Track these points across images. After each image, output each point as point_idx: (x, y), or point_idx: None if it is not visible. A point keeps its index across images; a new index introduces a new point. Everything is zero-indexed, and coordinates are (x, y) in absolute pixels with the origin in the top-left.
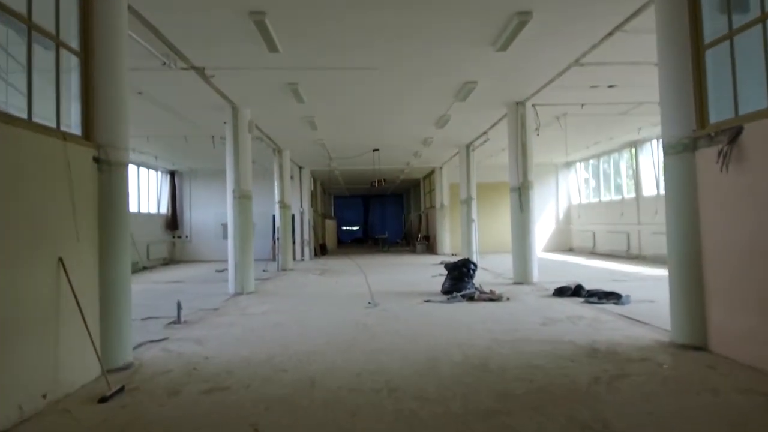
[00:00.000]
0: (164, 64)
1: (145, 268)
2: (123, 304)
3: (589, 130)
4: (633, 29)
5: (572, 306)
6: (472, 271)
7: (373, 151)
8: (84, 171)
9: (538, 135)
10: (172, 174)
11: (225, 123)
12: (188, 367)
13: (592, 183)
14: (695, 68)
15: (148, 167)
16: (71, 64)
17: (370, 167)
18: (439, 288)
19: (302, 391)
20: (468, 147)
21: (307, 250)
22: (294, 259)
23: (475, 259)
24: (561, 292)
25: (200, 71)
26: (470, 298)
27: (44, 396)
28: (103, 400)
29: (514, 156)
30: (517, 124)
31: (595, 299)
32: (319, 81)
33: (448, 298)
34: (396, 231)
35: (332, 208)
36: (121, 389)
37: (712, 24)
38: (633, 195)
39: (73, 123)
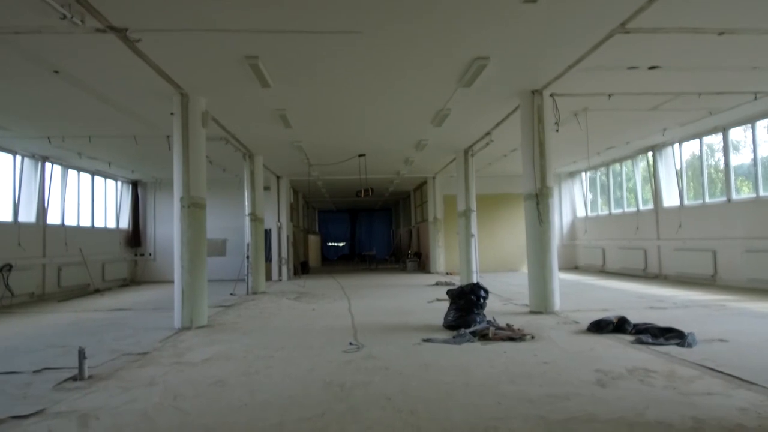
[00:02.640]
0: (64, 18)
1: (97, 291)
2: None
3: (606, 131)
4: None
5: (623, 349)
6: (482, 300)
7: (359, 156)
8: None
9: (557, 131)
10: (135, 184)
11: (172, 114)
12: None
13: (597, 194)
14: None
15: (105, 176)
16: None
17: (355, 176)
18: (438, 319)
19: None
20: (467, 152)
21: (285, 269)
22: (271, 279)
23: (475, 279)
24: (599, 327)
25: (121, 34)
26: (483, 336)
27: None
28: None
29: (529, 157)
30: (533, 118)
31: (648, 338)
32: (285, 52)
33: (454, 336)
34: (385, 247)
35: (317, 222)
36: None
37: None
38: (650, 206)
39: None
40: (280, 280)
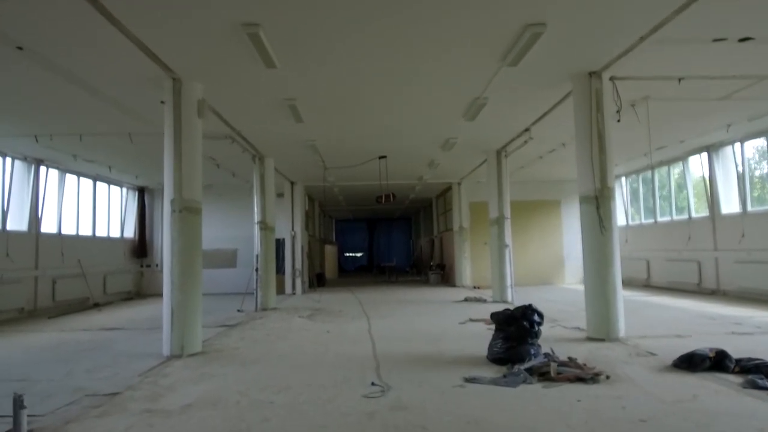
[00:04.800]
0: None
1: (96, 305)
2: None
3: (664, 126)
4: None
5: (738, 398)
6: (537, 327)
7: (379, 158)
8: None
9: (619, 121)
10: (141, 191)
11: (163, 103)
12: None
13: (640, 200)
14: None
15: (109, 182)
16: None
17: (374, 182)
18: (478, 347)
19: None
20: (499, 153)
21: (299, 281)
22: (284, 292)
23: (509, 295)
24: (691, 363)
25: None
26: (542, 375)
27: None
28: None
29: (586, 152)
30: (591, 105)
31: (763, 380)
32: (291, 19)
33: (504, 375)
34: (404, 258)
35: (333, 232)
36: None
37: None
38: (705, 214)
39: None
40: (294, 293)
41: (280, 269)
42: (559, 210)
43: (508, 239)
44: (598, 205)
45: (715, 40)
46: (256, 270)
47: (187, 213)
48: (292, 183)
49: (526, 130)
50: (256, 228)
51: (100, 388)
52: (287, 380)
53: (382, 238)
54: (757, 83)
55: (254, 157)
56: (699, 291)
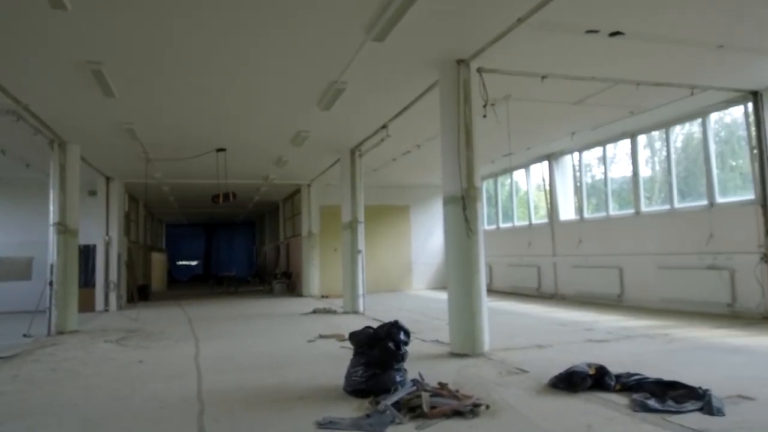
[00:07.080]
0: None
1: None
2: None
3: (517, 130)
4: None
5: (636, 426)
6: (403, 346)
7: (217, 151)
8: None
9: (485, 116)
10: None
11: None
12: None
13: (482, 207)
14: None
15: None
16: None
17: (212, 181)
18: (333, 373)
19: None
20: (353, 152)
21: (113, 296)
22: (94, 309)
23: (361, 304)
24: (571, 382)
25: None
26: (412, 410)
27: None
28: None
29: (452, 148)
30: (458, 96)
31: (651, 400)
32: None
33: (369, 414)
34: (246, 266)
35: (164, 238)
36: None
37: None
38: (545, 220)
39: None
40: (107, 310)
41: (89, 282)
42: (408, 215)
43: (362, 244)
44: (465, 206)
45: (588, 32)
46: (51, 283)
47: None
48: (108, 178)
49: (384, 126)
50: (52, 231)
51: None
52: None
53: (222, 245)
54: (612, 86)
55: (52, 143)
56: (538, 295)
